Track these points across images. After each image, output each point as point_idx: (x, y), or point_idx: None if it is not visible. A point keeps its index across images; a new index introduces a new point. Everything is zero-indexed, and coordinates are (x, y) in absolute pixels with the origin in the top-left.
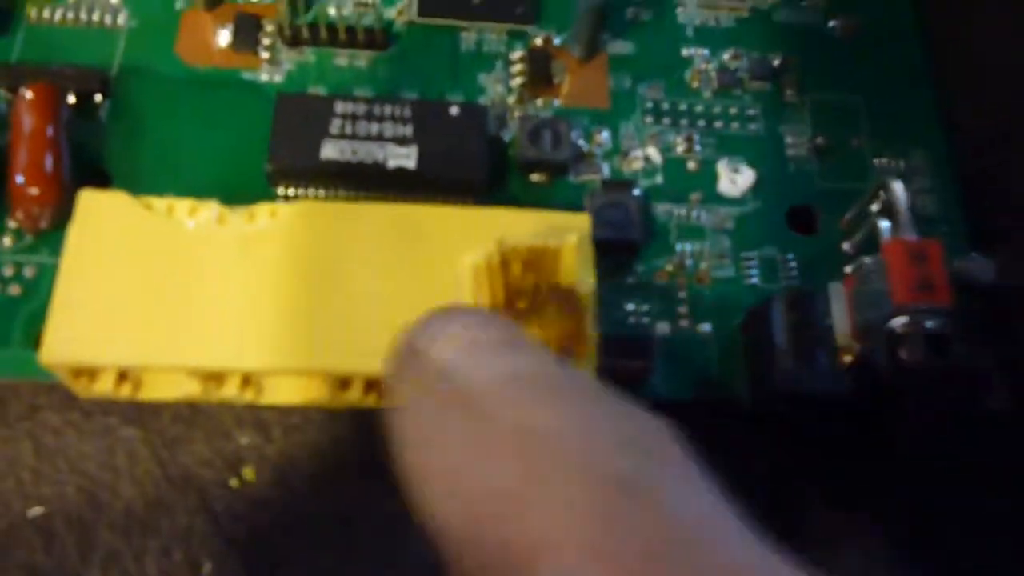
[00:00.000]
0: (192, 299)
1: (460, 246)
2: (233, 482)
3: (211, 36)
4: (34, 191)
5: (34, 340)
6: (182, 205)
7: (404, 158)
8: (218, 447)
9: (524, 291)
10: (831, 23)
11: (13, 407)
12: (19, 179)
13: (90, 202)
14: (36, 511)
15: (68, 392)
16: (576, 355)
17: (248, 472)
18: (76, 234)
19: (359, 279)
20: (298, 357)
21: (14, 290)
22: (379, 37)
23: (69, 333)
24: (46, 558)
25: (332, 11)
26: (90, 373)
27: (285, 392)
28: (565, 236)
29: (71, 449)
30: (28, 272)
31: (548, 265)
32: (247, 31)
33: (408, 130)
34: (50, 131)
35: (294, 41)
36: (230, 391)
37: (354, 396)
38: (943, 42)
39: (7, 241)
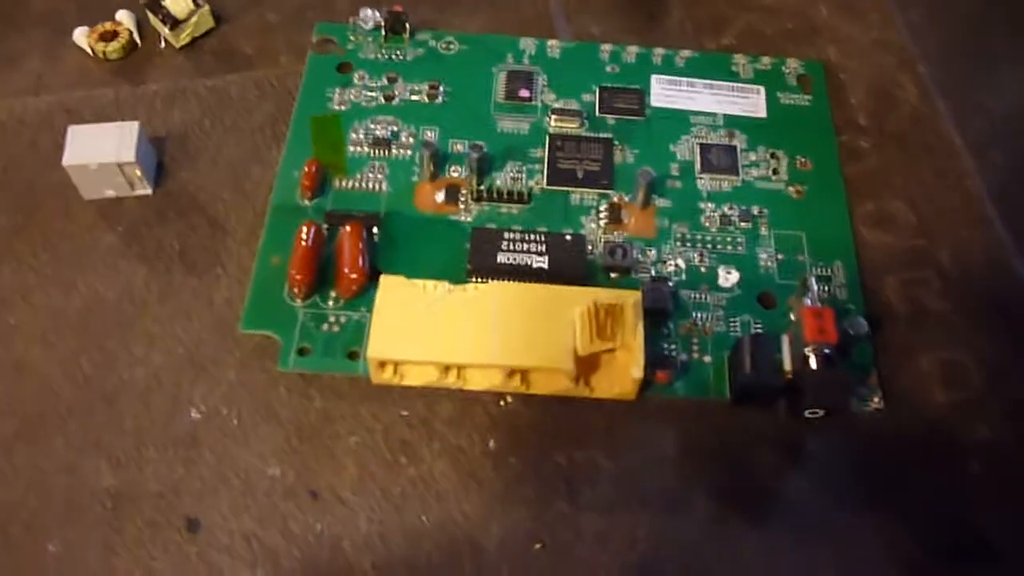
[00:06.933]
0: (441, 327)
1: (572, 304)
2: None
3: (432, 196)
4: (353, 276)
5: (349, 353)
6: (429, 283)
7: (541, 262)
8: None
9: (607, 325)
10: (788, 189)
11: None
12: (346, 270)
13: (387, 281)
14: None
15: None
16: (630, 360)
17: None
18: (380, 296)
19: (518, 319)
20: (492, 356)
21: (335, 328)
22: (524, 196)
23: (381, 342)
24: None
25: (498, 182)
26: (383, 364)
27: (479, 380)
28: (627, 298)
29: None
30: (343, 319)
31: (618, 313)
32: (452, 193)
33: (543, 247)
34: (360, 246)
35: (478, 199)
36: (451, 379)
37: (515, 383)
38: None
39: (331, 304)
